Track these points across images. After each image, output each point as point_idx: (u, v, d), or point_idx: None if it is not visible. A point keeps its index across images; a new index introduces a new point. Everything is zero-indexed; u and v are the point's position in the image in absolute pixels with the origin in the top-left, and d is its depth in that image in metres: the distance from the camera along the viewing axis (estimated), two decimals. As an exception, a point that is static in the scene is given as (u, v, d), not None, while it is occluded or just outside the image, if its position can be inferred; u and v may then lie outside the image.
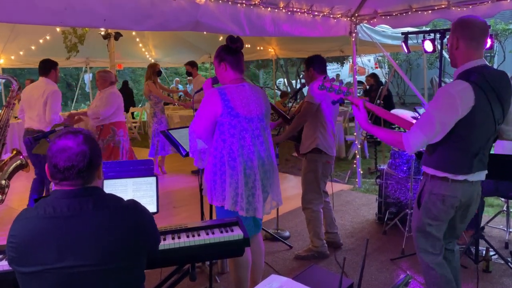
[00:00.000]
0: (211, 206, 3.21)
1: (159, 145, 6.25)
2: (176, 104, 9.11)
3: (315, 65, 3.50)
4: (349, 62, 16.12)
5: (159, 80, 6.54)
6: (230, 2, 4.00)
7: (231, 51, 2.48)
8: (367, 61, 17.78)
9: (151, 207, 2.27)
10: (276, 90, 14.14)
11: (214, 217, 2.88)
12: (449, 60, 2.30)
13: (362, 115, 2.24)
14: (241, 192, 2.38)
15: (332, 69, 17.99)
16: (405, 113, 3.79)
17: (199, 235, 1.97)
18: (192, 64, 6.64)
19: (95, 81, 5.04)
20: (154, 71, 6.20)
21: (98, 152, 1.46)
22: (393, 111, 3.53)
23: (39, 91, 4.29)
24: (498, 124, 2.10)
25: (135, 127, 10.82)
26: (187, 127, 3.00)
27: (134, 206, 1.48)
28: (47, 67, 4.34)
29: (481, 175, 2.17)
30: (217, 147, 2.41)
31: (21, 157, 3.39)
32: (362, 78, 15.47)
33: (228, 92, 2.37)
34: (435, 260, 2.29)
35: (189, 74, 6.78)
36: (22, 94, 4.41)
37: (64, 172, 1.37)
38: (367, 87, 9.18)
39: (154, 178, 2.35)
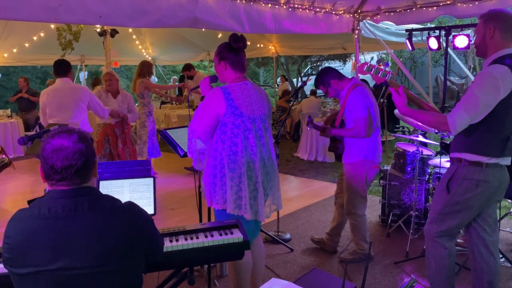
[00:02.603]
0: (209, 208, 3.13)
1: (155, 146, 6.16)
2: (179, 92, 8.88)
3: (342, 77, 3.35)
4: (352, 59, 16.03)
5: (157, 80, 6.45)
6: (229, -2, 3.93)
7: (232, 50, 2.40)
8: (370, 59, 17.71)
9: (149, 209, 2.22)
10: (276, 89, 14.04)
11: (212, 219, 2.81)
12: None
13: (403, 100, 2.33)
14: (244, 195, 2.31)
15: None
16: None
17: (197, 237, 1.93)
18: (187, 68, 6.52)
19: (90, 80, 4.98)
20: (147, 70, 6.02)
21: (93, 150, 1.45)
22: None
23: (74, 94, 4.04)
24: None
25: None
26: (185, 126, 2.91)
27: (131, 207, 1.45)
28: (67, 68, 4.18)
29: (508, 160, 2.29)
30: (217, 148, 2.33)
31: (3, 156, 3.32)
32: (365, 76, 15.38)
33: (232, 91, 2.30)
34: (447, 243, 2.39)
35: (190, 78, 6.64)
36: (46, 99, 4.06)
37: (61, 172, 1.35)
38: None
39: (151, 179, 2.30)
